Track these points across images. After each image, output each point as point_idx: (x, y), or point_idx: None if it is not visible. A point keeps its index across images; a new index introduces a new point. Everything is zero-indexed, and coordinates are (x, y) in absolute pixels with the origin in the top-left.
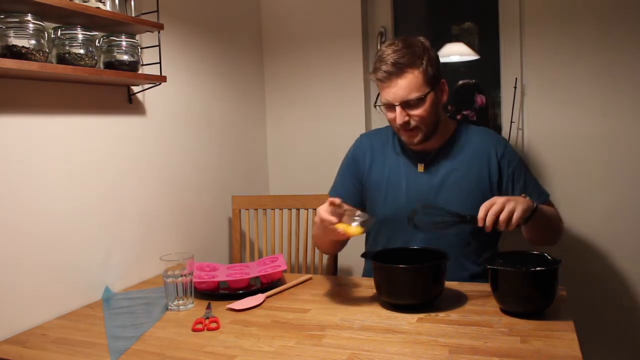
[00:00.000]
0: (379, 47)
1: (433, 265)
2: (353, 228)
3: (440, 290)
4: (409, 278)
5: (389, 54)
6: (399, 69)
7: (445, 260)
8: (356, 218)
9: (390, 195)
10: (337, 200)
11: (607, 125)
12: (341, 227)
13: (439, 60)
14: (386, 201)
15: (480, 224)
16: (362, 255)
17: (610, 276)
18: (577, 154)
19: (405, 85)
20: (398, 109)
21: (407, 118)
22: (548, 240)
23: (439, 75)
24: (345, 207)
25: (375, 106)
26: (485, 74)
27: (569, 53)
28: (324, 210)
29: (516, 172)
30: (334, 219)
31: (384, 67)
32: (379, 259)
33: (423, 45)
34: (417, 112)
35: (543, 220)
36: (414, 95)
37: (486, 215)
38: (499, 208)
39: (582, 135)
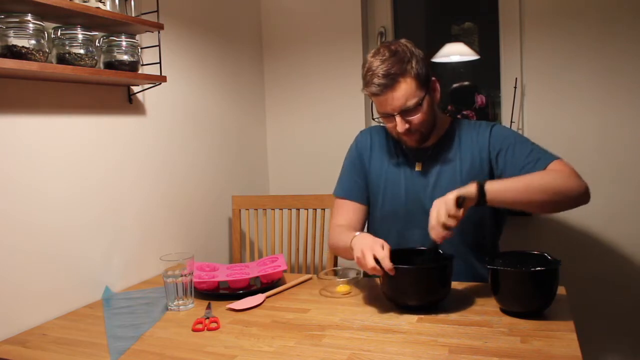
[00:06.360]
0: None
1: (441, 266)
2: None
3: (447, 292)
4: (415, 279)
5: (378, 65)
6: (391, 80)
7: (452, 262)
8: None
9: (389, 194)
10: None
11: (607, 125)
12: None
13: (426, 60)
14: (385, 199)
15: (439, 241)
16: None
17: (610, 276)
18: (577, 154)
19: (401, 94)
20: (398, 118)
21: (407, 125)
22: (553, 205)
23: (429, 75)
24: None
25: (373, 119)
26: (485, 74)
27: (569, 53)
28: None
29: (504, 149)
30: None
31: (376, 80)
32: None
33: (408, 49)
34: (416, 117)
35: (511, 192)
36: (412, 102)
37: (435, 233)
38: (434, 217)
39: (582, 135)
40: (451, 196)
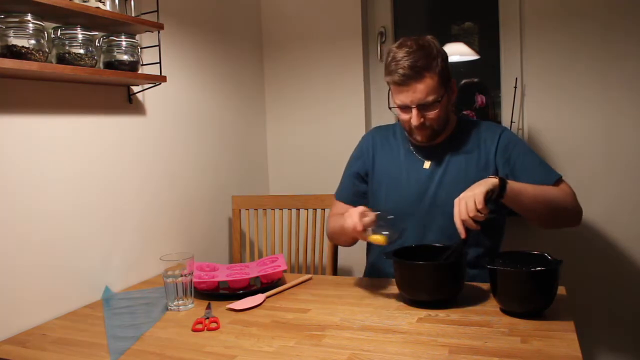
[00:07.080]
0: (385, 48)
1: (456, 262)
2: (380, 238)
3: (461, 287)
4: (429, 274)
5: (404, 56)
6: (417, 73)
7: (461, 260)
8: (384, 232)
9: (393, 191)
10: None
11: (607, 125)
12: (372, 238)
13: (448, 60)
14: (388, 196)
15: (463, 235)
16: (384, 254)
17: (610, 276)
18: (577, 154)
19: (423, 88)
20: (414, 111)
21: (422, 119)
22: (550, 220)
23: (450, 75)
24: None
25: (390, 108)
26: (485, 74)
27: (569, 53)
28: (356, 221)
29: (513, 156)
30: (364, 234)
31: (401, 71)
32: (400, 256)
33: (435, 46)
34: (432, 113)
35: (523, 196)
36: (431, 98)
37: (461, 224)
38: (460, 208)
39: (582, 135)
40: (479, 190)
